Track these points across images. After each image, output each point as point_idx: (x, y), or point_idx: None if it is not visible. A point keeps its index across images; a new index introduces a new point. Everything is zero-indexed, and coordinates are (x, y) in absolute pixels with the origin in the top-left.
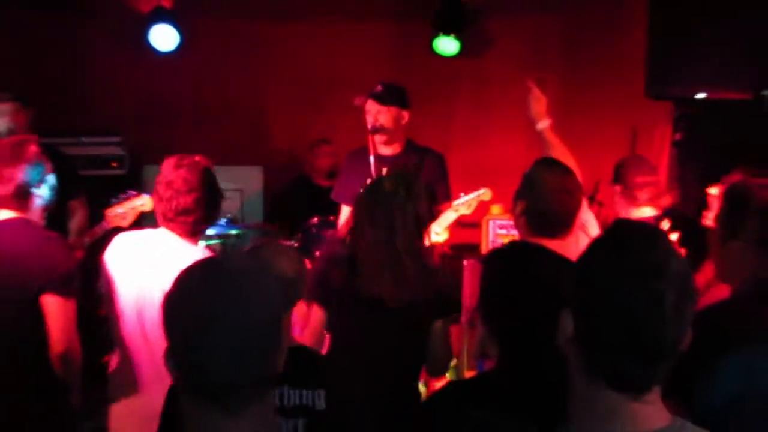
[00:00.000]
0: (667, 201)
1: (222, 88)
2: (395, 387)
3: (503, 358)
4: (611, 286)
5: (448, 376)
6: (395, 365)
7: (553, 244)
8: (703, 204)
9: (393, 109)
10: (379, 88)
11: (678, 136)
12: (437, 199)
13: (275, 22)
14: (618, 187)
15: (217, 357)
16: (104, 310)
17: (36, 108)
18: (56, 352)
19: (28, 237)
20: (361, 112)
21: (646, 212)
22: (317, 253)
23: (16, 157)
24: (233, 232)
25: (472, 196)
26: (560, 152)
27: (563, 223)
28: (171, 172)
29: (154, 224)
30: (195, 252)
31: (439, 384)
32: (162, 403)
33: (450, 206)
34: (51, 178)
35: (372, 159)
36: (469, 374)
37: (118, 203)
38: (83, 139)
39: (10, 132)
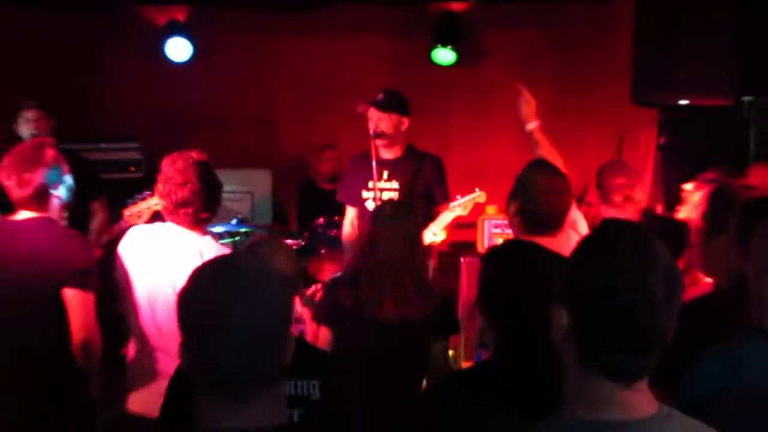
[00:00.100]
0: (643, 202)
1: (233, 97)
2: (395, 395)
3: (500, 348)
4: (605, 283)
5: None
6: (395, 378)
7: (545, 242)
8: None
9: (393, 116)
10: (381, 96)
11: (662, 140)
12: (436, 200)
13: (283, 35)
14: (596, 191)
15: (229, 352)
16: (119, 302)
17: (60, 115)
18: (76, 343)
19: (48, 235)
20: (363, 118)
21: (626, 213)
22: (323, 252)
23: (34, 159)
24: (243, 230)
25: (468, 198)
26: (548, 151)
27: (554, 221)
28: (168, 168)
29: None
30: (201, 242)
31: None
32: None
33: (448, 207)
34: (68, 180)
35: (374, 163)
36: (465, 364)
37: (134, 203)
38: (103, 144)
39: (33, 137)
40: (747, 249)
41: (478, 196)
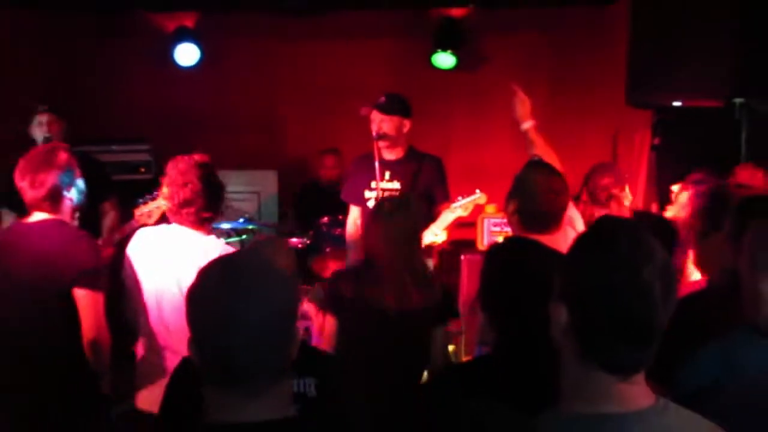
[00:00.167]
0: (630, 201)
1: (240, 100)
2: (395, 386)
3: (500, 343)
4: (603, 279)
5: None
6: (395, 368)
7: (543, 239)
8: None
9: (395, 118)
10: (383, 99)
11: (656, 141)
12: (436, 200)
13: (288, 40)
14: (586, 191)
15: (237, 348)
16: (127, 301)
17: (73, 118)
18: (87, 341)
19: (59, 236)
20: (366, 121)
21: (611, 211)
22: (327, 250)
23: (48, 162)
24: (251, 227)
25: (468, 199)
26: (543, 150)
27: (552, 220)
28: (171, 170)
29: None
30: (206, 241)
31: None
32: None
33: (448, 207)
34: (80, 183)
35: (377, 164)
36: (466, 360)
37: (145, 203)
38: (114, 146)
39: (46, 140)
40: (740, 247)
41: (479, 197)
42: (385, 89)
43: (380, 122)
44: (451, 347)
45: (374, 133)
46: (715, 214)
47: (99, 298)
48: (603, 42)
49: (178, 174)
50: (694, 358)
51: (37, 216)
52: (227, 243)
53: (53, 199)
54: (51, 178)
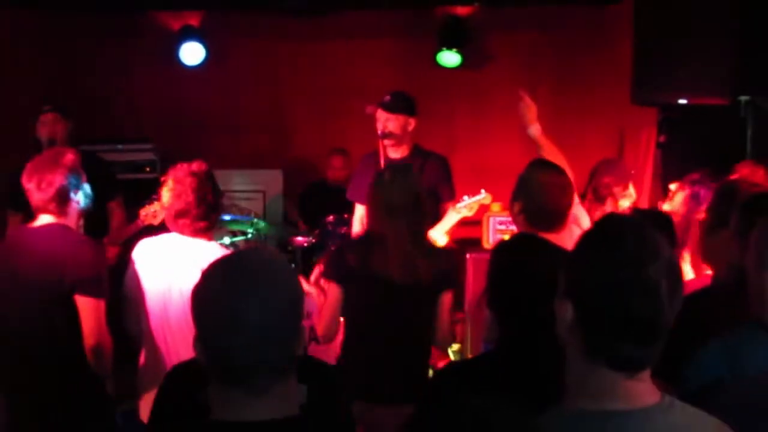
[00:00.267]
0: (632, 198)
1: (245, 99)
2: (406, 356)
3: (504, 339)
4: (609, 276)
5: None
6: (405, 336)
7: (549, 238)
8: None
9: (400, 117)
10: (388, 97)
11: (662, 139)
12: (442, 198)
13: (293, 39)
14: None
15: (238, 348)
16: (128, 310)
17: (78, 118)
18: (88, 346)
19: (62, 241)
20: (372, 119)
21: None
22: (333, 248)
23: (55, 162)
24: (258, 223)
25: (473, 199)
26: (551, 153)
27: (557, 218)
28: (167, 180)
29: None
30: (205, 248)
31: (442, 364)
32: None
33: (453, 206)
34: (86, 187)
35: (382, 162)
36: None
37: (150, 203)
38: (120, 146)
39: (51, 139)
40: (747, 243)
41: (484, 197)
42: (390, 88)
43: (385, 121)
44: (456, 346)
45: (379, 132)
46: (722, 210)
47: (100, 304)
48: (607, 39)
49: (175, 183)
50: (700, 356)
51: (43, 219)
52: (232, 242)
53: (60, 201)
54: (59, 179)
